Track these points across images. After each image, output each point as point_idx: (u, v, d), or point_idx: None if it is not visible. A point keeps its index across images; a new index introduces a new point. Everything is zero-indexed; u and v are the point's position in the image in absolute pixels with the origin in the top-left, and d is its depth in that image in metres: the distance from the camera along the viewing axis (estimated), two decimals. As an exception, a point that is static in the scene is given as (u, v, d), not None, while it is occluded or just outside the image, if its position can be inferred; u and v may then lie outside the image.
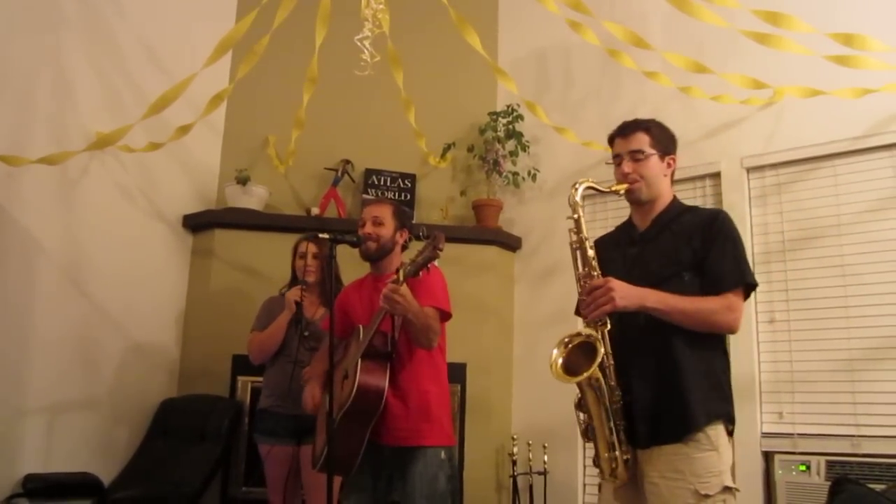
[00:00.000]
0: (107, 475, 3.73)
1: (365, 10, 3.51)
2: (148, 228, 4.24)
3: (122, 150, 3.92)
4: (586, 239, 2.16)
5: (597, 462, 2.13)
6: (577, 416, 2.14)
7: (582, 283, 2.14)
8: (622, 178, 2.24)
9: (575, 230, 2.18)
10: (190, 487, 3.61)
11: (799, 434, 3.50)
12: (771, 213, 3.81)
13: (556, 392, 4.34)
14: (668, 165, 2.29)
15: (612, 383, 2.06)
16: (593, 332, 2.05)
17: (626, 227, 2.37)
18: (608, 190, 2.24)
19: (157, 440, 3.94)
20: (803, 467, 3.39)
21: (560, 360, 2.05)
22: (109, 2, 4.13)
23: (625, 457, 2.07)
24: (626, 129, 2.27)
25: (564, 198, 4.50)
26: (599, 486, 2.24)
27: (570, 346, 2.07)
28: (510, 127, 4.60)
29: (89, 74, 3.98)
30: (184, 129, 3.92)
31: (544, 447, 4.16)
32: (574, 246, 2.17)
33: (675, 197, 2.31)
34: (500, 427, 4.39)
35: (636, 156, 2.23)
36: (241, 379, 4.08)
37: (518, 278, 4.69)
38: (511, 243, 4.66)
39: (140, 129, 3.81)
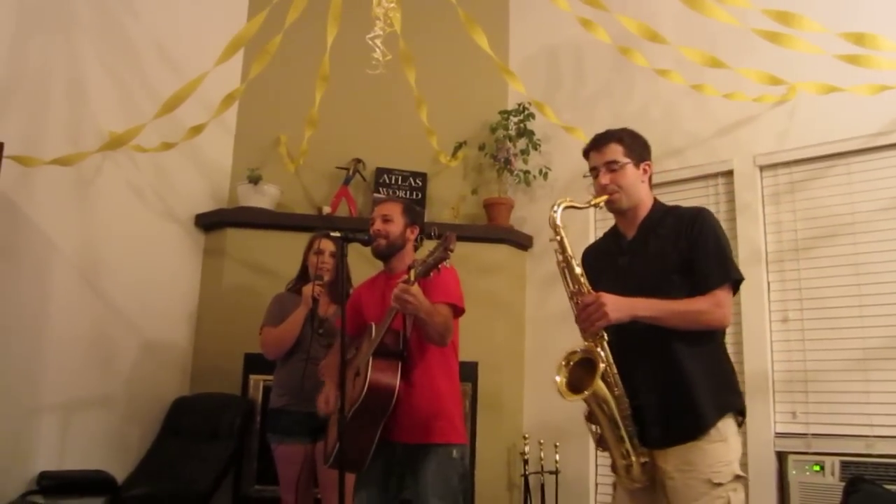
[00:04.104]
0: (120, 473, 3.76)
1: (376, 8, 3.51)
2: (161, 228, 4.27)
3: (134, 150, 3.95)
4: (572, 257, 2.19)
5: (614, 469, 2.17)
6: (590, 428, 2.18)
7: (574, 300, 2.17)
8: (601, 189, 2.28)
9: (560, 250, 2.20)
10: (202, 485, 3.63)
11: (813, 434, 3.47)
12: (784, 212, 3.78)
13: (567, 391, 4.37)
14: (645, 171, 2.31)
15: (619, 392, 2.09)
16: (591, 347, 2.09)
17: (614, 235, 2.40)
18: (588, 205, 2.27)
19: (170, 438, 3.96)
20: (817, 467, 3.37)
21: (564, 381, 2.10)
22: (122, 2, 4.15)
23: (642, 460, 2.10)
24: (599, 142, 2.31)
25: (576, 196, 4.52)
26: (614, 485, 2.26)
27: (570, 364, 2.12)
28: (521, 125, 4.60)
29: (102, 75, 4.00)
30: (196, 129, 3.94)
31: (556, 446, 4.15)
32: (561, 265, 2.20)
33: (655, 200, 2.34)
34: (512, 426, 4.39)
35: (612, 166, 2.26)
36: (252, 377, 4.09)
37: (529, 277, 4.69)
38: (522, 242, 4.65)
39: (153, 129, 3.83)
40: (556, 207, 2.23)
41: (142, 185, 4.18)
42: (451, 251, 2.42)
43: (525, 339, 4.60)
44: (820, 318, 3.56)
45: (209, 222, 4.43)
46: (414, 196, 4.58)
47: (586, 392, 2.03)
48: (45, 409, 3.59)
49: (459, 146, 4.67)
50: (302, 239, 3.61)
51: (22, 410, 3.48)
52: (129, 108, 4.04)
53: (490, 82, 4.81)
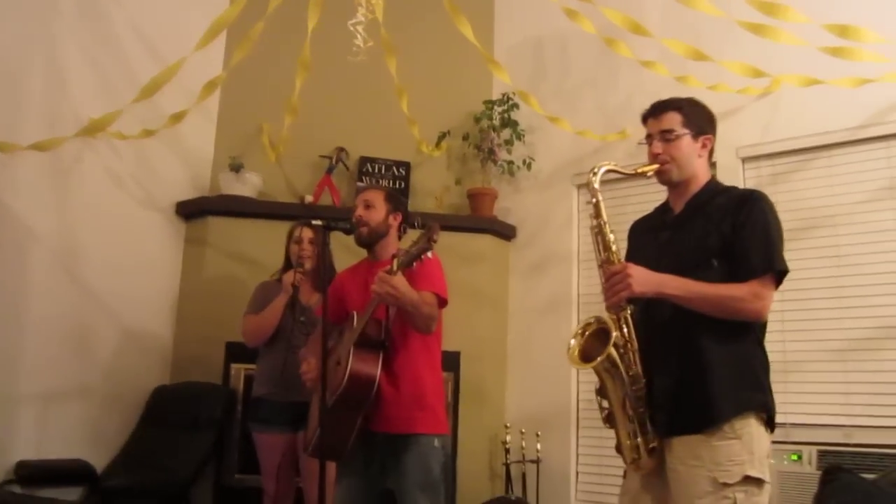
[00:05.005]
0: (99, 462, 3.73)
1: (359, -6, 3.49)
2: (141, 216, 4.22)
3: (114, 137, 3.90)
4: (606, 223, 2.11)
5: (619, 449, 2.09)
6: (599, 403, 2.10)
7: (603, 269, 2.09)
8: (652, 158, 2.18)
9: (594, 214, 2.13)
10: (182, 475, 3.61)
11: (791, 424, 3.50)
12: (766, 204, 3.80)
13: (549, 381, 4.39)
14: (704, 146, 2.21)
15: (634, 371, 2.02)
16: (608, 317, 2.03)
17: (662, 210, 2.31)
18: (633, 172, 2.17)
19: (150, 427, 3.93)
20: (795, 457, 3.40)
21: (577, 348, 2.04)
22: (102, -13, 4.09)
23: (650, 444, 2.03)
24: (658, 109, 2.21)
25: (560, 187, 4.58)
26: (625, 473, 2.19)
27: (586, 333, 2.06)
28: (506, 115, 4.58)
29: (82, 60, 3.94)
30: (177, 117, 3.90)
31: (537, 435, 4.17)
32: (594, 230, 2.13)
33: (712, 177, 2.24)
34: (494, 415, 4.40)
35: (667, 136, 2.16)
36: (234, 366, 4.07)
37: (513, 267, 4.69)
38: (506, 232, 4.65)
39: (134, 117, 3.79)
40: (596, 170, 2.13)
41: (122, 172, 4.13)
42: (435, 241, 2.42)
43: (508, 329, 4.61)
44: (800, 308, 3.58)
45: (190, 210, 4.38)
46: (397, 185, 4.56)
47: (598, 359, 1.95)
48: (22, 398, 3.54)
49: (443, 136, 4.65)
50: (284, 227, 3.59)
51: (-1, 399, 3.44)
52: (109, 94, 3.97)
53: (475, 72, 4.79)
